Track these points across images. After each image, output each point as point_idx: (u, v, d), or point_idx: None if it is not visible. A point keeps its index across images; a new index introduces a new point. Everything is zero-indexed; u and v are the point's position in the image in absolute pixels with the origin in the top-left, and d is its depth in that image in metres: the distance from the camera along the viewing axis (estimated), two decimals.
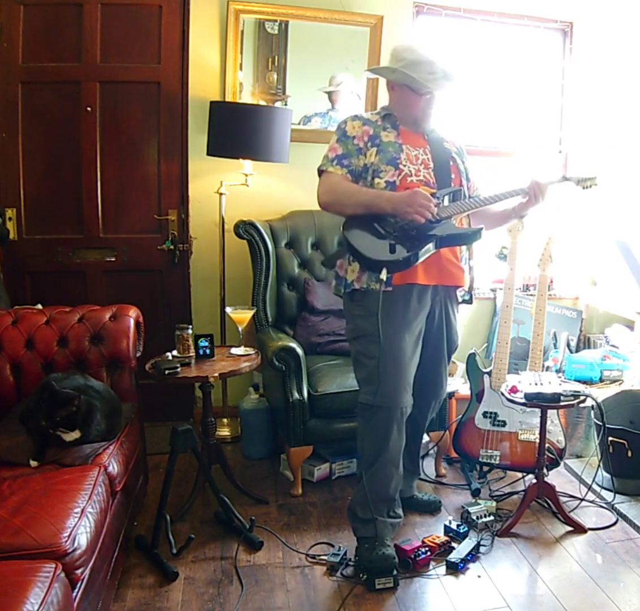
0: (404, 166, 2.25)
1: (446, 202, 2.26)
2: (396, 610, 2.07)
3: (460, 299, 2.46)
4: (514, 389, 2.53)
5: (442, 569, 2.27)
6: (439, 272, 2.29)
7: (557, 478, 2.87)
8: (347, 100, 3.41)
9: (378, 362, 2.20)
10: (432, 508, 2.65)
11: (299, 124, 3.37)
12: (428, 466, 3.02)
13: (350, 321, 2.34)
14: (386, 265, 2.16)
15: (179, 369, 2.41)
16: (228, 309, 2.72)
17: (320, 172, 2.30)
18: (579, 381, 3.11)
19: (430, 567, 2.27)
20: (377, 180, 2.24)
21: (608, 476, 2.78)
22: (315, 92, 3.39)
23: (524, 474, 2.82)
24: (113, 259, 3.31)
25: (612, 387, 3.12)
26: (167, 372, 2.38)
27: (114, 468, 2.10)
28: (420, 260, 2.19)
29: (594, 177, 2.39)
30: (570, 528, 2.53)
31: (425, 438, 3.01)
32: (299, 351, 2.73)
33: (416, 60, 2.23)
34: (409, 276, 2.23)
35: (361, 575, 2.18)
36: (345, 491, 2.79)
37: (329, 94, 3.41)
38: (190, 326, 2.57)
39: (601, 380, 3.18)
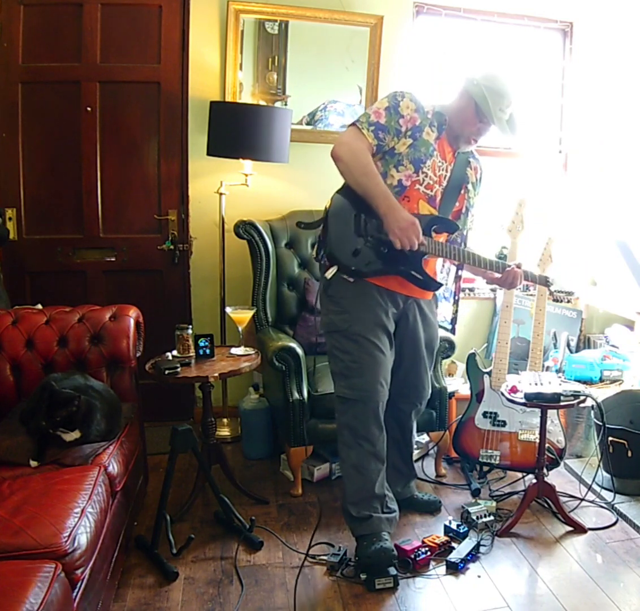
0: (425, 172, 2.22)
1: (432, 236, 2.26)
2: (396, 610, 2.07)
3: (441, 321, 2.50)
4: (514, 389, 2.53)
5: (442, 569, 2.27)
6: (405, 285, 2.30)
7: (557, 478, 2.87)
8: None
9: (354, 357, 2.25)
10: (432, 508, 2.65)
11: (300, 123, 3.37)
12: (428, 466, 3.03)
13: (324, 314, 2.35)
14: (339, 264, 2.20)
15: (179, 369, 2.41)
16: (228, 309, 2.72)
17: (354, 124, 2.20)
18: (579, 381, 3.11)
19: (430, 567, 2.28)
20: (393, 171, 2.21)
21: (608, 476, 2.78)
22: (315, 92, 3.39)
23: (524, 474, 2.82)
24: (113, 259, 3.31)
25: (612, 387, 3.12)
26: (167, 372, 2.38)
27: (114, 468, 2.10)
28: (372, 277, 2.23)
29: (572, 292, 2.46)
30: (570, 528, 2.53)
31: (425, 438, 3.02)
32: (299, 351, 2.73)
33: (499, 91, 2.23)
34: (380, 279, 2.25)
35: (361, 575, 2.18)
36: None
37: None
38: (190, 326, 2.57)
39: (601, 380, 3.18)
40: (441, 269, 2.50)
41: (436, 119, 2.27)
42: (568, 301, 2.47)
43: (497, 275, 2.39)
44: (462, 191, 2.33)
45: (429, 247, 2.22)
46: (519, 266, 2.38)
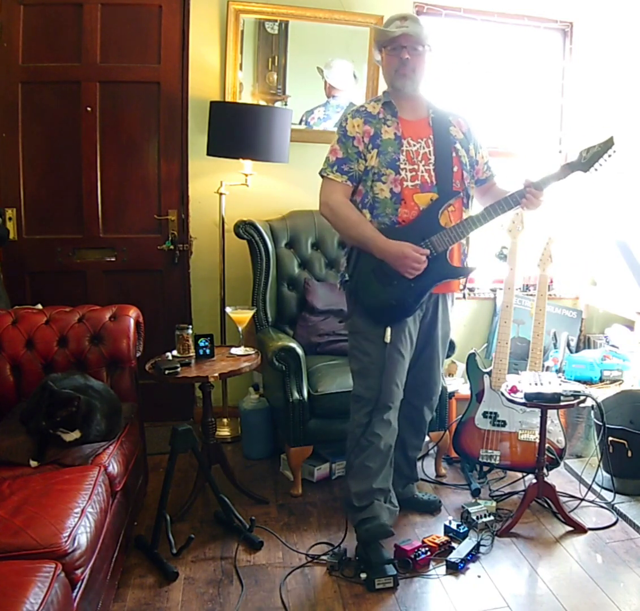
0: (403, 168, 2.22)
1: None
2: (396, 610, 2.07)
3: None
4: (514, 389, 2.53)
5: (442, 569, 2.27)
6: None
7: (557, 478, 2.87)
8: (341, 86, 3.37)
9: (372, 359, 2.28)
10: (432, 508, 2.65)
11: (300, 123, 3.37)
12: (428, 466, 3.02)
13: (348, 314, 2.39)
14: (389, 315, 2.25)
15: (179, 369, 2.41)
16: (228, 309, 2.72)
17: (321, 175, 2.30)
18: (579, 381, 3.10)
19: (430, 567, 2.28)
20: (379, 185, 2.22)
21: (608, 476, 2.78)
22: (315, 92, 3.39)
23: (524, 474, 2.82)
24: (113, 259, 3.31)
25: (612, 387, 3.12)
26: (167, 372, 2.38)
27: (114, 468, 2.10)
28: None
29: (608, 140, 2.29)
30: (570, 528, 2.53)
31: (426, 438, 3.01)
32: (299, 351, 2.73)
33: (387, 21, 2.27)
34: None
35: (361, 575, 2.18)
36: None
37: (325, 84, 3.38)
38: (190, 326, 2.57)
39: (601, 380, 3.18)
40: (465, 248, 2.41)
41: (388, 110, 2.28)
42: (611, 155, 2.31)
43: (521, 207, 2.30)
44: (454, 154, 2.28)
45: (439, 247, 2.22)
46: (529, 186, 2.25)
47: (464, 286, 2.50)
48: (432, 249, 2.21)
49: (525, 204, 2.25)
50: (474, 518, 2.50)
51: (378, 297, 2.24)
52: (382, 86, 3.31)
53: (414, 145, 2.25)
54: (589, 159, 2.27)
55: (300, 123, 3.38)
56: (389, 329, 2.24)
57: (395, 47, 2.22)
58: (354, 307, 2.31)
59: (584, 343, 3.68)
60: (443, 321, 2.43)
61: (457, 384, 3.19)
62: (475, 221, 2.25)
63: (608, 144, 2.31)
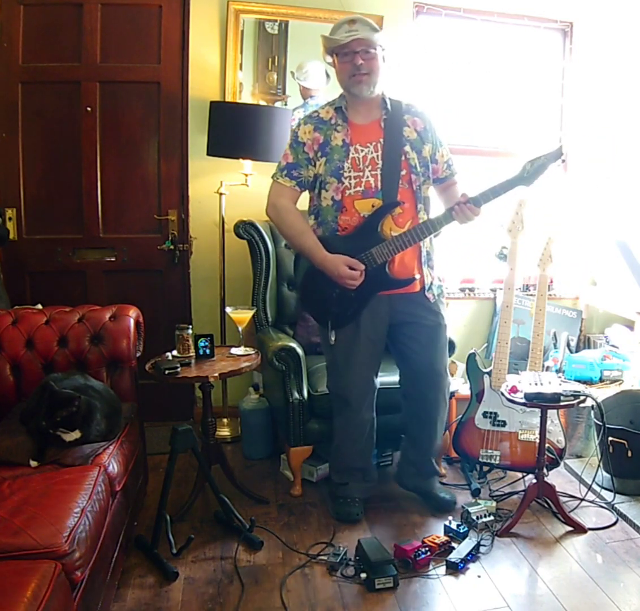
0: (346, 176, 2.26)
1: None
2: (396, 610, 2.07)
3: (432, 299, 2.45)
4: (514, 389, 2.53)
5: (442, 569, 2.27)
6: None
7: (557, 478, 2.86)
8: (314, 86, 3.36)
9: (330, 357, 2.52)
10: (443, 509, 2.62)
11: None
12: None
13: (298, 314, 2.63)
14: (331, 320, 2.38)
15: (179, 369, 2.41)
16: (228, 309, 2.72)
17: (272, 178, 2.37)
18: (579, 381, 3.10)
19: (430, 567, 2.27)
20: (323, 193, 2.30)
21: (608, 476, 2.78)
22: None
23: (524, 474, 2.82)
24: (113, 259, 3.31)
25: (612, 387, 3.12)
26: (167, 372, 2.38)
27: (114, 468, 2.10)
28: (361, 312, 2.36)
29: (556, 150, 2.18)
30: (570, 528, 2.53)
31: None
32: (299, 351, 2.73)
33: (334, 27, 2.27)
34: None
35: (361, 575, 2.18)
36: None
37: (300, 88, 3.37)
38: (190, 326, 2.57)
39: (601, 380, 3.18)
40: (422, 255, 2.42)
41: (339, 116, 2.31)
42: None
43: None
44: (403, 157, 2.28)
45: (378, 259, 2.27)
46: (467, 201, 2.22)
47: (430, 286, 2.44)
48: (372, 261, 2.27)
49: (457, 217, 2.25)
50: (474, 518, 2.50)
51: (321, 303, 2.37)
52: None
53: (362, 151, 2.28)
54: (534, 172, 2.21)
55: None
56: (333, 332, 2.36)
57: (347, 52, 2.23)
58: (302, 308, 2.47)
59: (584, 343, 3.68)
60: (422, 317, 2.44)
61: (457, 384, 3.18)
62: (413, 234, 2.26)
63: (555, 155, 2.21)
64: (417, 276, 2.37)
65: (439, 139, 2.39)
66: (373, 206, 2.28)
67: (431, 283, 2.45)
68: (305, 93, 3.38)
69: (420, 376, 2.53)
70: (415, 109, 2.36)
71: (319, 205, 2.35)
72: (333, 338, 2.38)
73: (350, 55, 2.22)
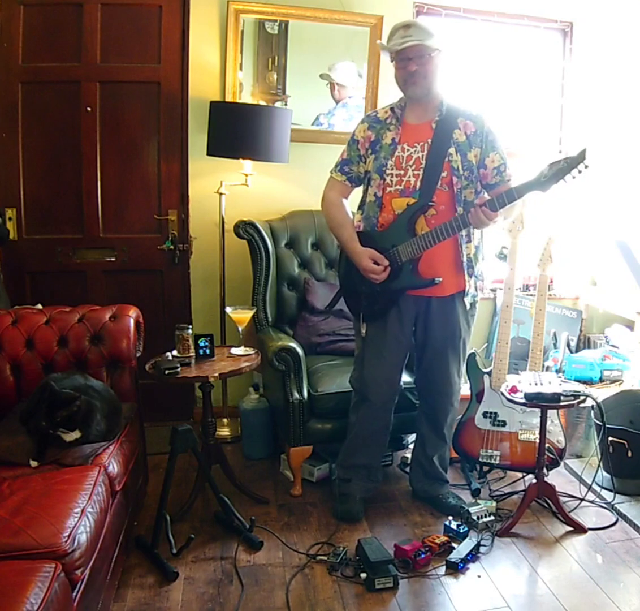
0: (388, 174, 2.32)
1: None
2: (396, 610, 2.07)
3: (467, 305, 2.45)
4: (514, 389, 2.53)
5: (442, 569, 2.27)
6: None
7: (557, 478, 2.86)
8: (350, 83, 3.37)
9: (361, 351, 2.51)
10: (449, 514, 2.57)
11: (313, 124, 3.38)
12: None
13: (332, 302, 2.63)
14: (362, 312, 2.45)
15: (179, 369, 2.41)
16: (228, 309, 2.72)
17: (330, 174, 2.50)
18: (579, 381, 3.10)
19: (430, 567, 2.27)
20: (369, 190, 2.39)
21: (608, 476, 2.78)
22: (316, 92, 3.38)
23: (524, 474, 2.82)
24: (113, 259, 3.31)
25: (612, 387, 3.12)
26: (167, 372, 2.38)
27: (114, 468, 2.10)
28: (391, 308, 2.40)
29: (579, 154, 2.03)
30: (570, 528, 2.53)
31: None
32: (299, 351, 2.73)
33: (391, 31, 2.30)
34: None
35: (361, 575, 2.18)
36: None
37: (331, 87, 3.37)
38: (190, 326, 2.57)
39: (601, 380, 3.18)
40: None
41: (394, 114, 2.36)
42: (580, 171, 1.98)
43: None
44: (446, 159, 2.27)
45: (403, 256, 2.30)
46: (483, 205, 2.18)
47: (467, 293, 2.41)
48: (397, 258, 2.31)
49: (472, 221, 2.22)
50: (474, 518, 2.50)
51: (354, 294, 2.47)
52: (382, 84, 3.34)
53: (408, 150, 2.31)
54: (551, 177, 2.09)
55: (313, 124, 3.39)
56: (365, 324, 2.42)
57: (402, 59, 2.25)
58: (342, 296, 2.53)
59: (584, 343, 3.68)
60: (445, 323, 2.44)
61: None
62: (434, 234, 2.24)
63: (578, 158, 2.06)
64: (439, 279, 2.30)
65: (491, 144, 2.32)
66: (408, 205, 2.30)
67: (467, 291, 2.41)
68: (339, 93, 3.39)
69: (434, 385, 2.57)
70: (470, 112, 2.33)
71: (365, 200, 2.43)
72: (364, 331, 2.44)
73: (405, 61, 2.24)
